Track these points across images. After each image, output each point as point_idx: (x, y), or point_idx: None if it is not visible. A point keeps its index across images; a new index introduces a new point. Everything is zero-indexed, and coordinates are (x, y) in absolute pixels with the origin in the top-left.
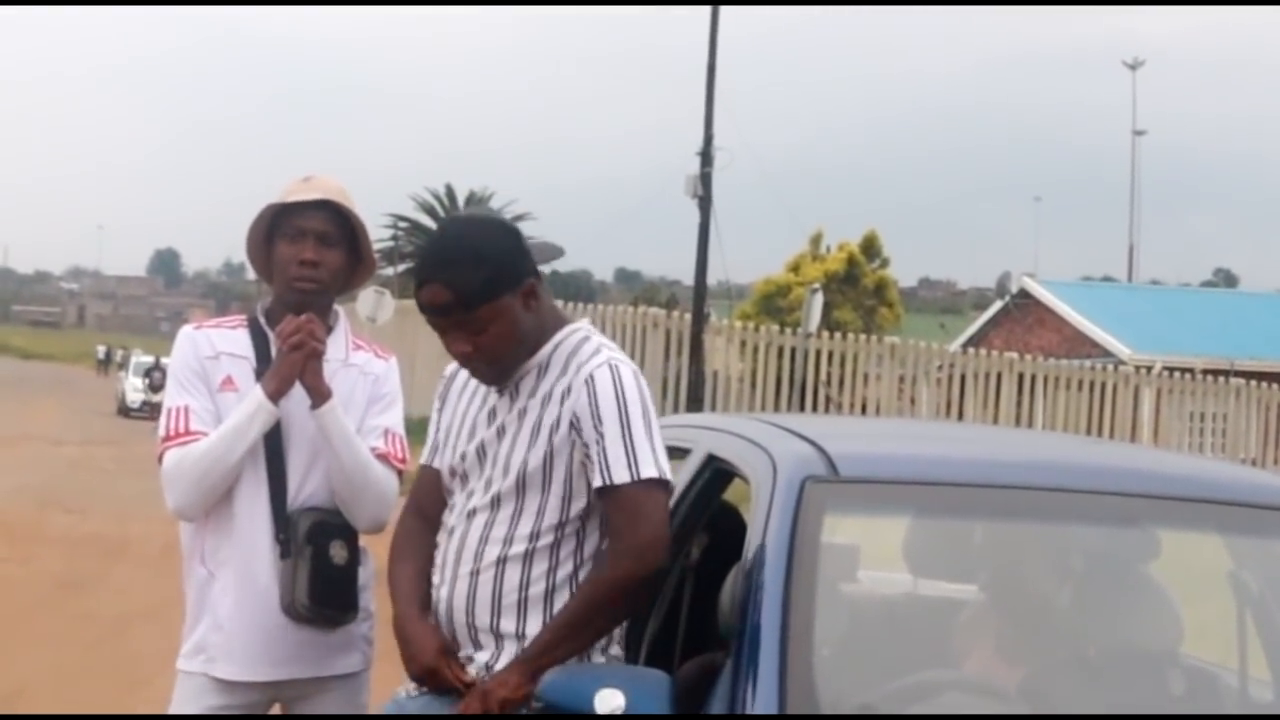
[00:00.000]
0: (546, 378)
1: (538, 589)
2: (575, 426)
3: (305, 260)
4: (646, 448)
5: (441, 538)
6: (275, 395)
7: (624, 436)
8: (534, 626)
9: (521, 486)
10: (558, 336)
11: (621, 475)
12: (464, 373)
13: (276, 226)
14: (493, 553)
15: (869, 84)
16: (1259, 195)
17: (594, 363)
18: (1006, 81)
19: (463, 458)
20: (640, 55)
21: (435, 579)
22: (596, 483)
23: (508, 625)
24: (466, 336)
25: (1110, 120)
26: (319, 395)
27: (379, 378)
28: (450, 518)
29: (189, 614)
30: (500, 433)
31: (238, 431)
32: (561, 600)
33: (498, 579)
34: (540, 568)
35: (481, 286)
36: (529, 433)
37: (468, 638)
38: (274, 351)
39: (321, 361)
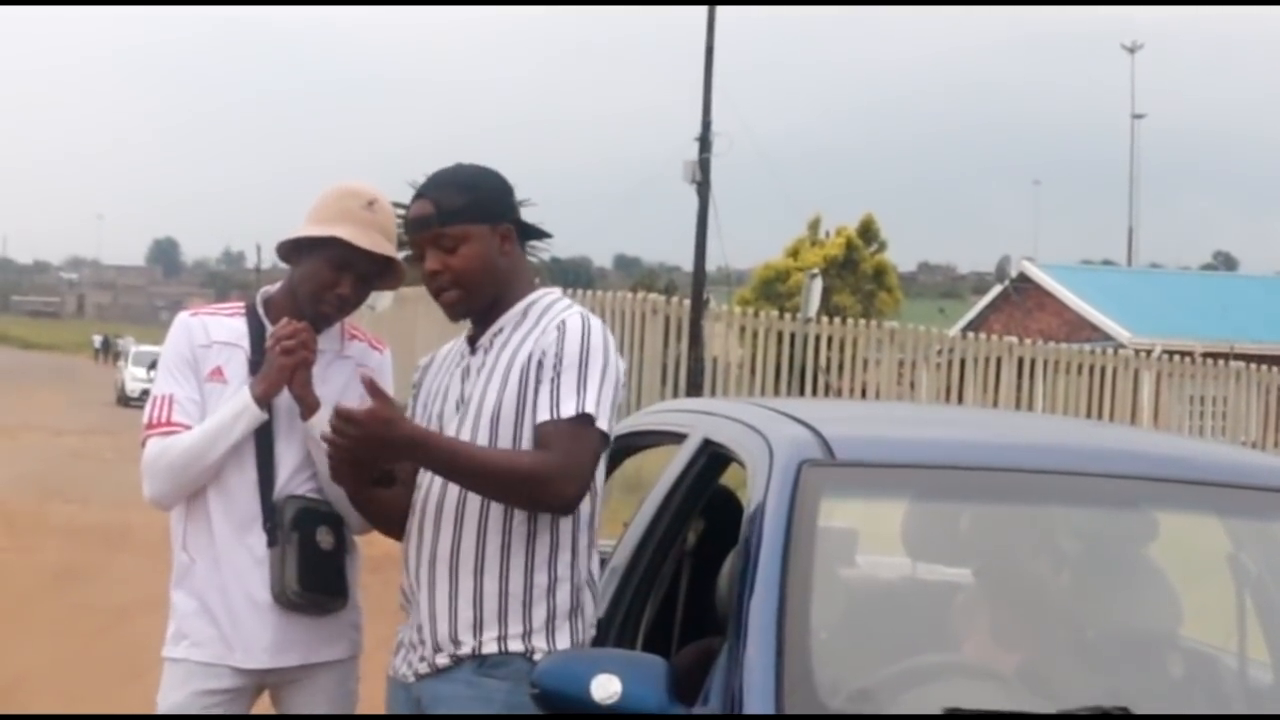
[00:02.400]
0: (520, 330)
1: (520, 531)
2: (540, 363)
3: (342, 295)
4: (595, 395)
5: (417, 496)
6: (263, 399)
7: (579, 379)
8: (516, 571)
9: (495, 425)
10: (533, 295)
11: (568, 412)
12: (438, 357)
13: (325, 241)
14: (474, 496)
15: (867, 66)
16: (1258, 178)
17: (569, 311)
18: (1005, 64)
19: (440, 416)
20: (638, 39)
21: (414, 531)
22: (544, 415)
23: (492, 571)
24: (440, 256)
25: (1109, 103)
26: (307, 406)
27: (374, 371)
28: (425, 473)
29: (173, 599)
30: (475, 382)
31: (221, 430)
32: (544, 544)
33: (482, 520)
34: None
35: (461, 207)
36: (501, 374)
37: (449, 594)
38: (268, 337)
39: (310, 372)
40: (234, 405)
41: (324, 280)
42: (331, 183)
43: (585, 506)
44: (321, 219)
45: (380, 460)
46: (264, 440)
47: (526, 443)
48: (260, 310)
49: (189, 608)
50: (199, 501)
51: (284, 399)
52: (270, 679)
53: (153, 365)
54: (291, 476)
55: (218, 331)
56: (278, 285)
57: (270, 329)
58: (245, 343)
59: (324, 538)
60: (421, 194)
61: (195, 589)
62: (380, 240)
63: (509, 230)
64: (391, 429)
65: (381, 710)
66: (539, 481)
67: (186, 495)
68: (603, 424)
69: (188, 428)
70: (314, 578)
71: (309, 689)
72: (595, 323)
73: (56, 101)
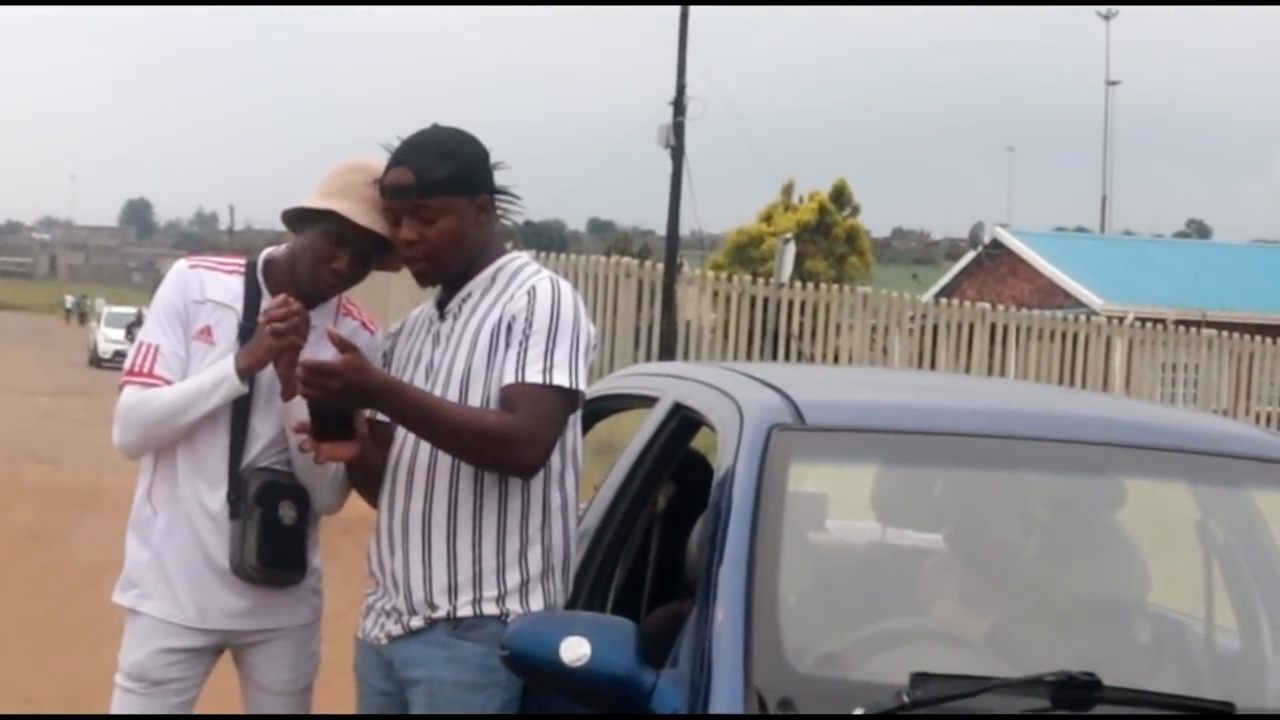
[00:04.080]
0: (488, 295)
1: (492, 494)
2: (510, 326)
3: (338, 270)
4: (565, 360)
5: (390, 460)
6: (245, 373)
7: (547, 343)
8: (489, 535)
9: (465, 387)
10: (502, 260)
11: (534, 377)
12: (408, 322)
13: (325, 213)
14: (445, 459)
15: (842, 29)
16: (1232, 146)
17: (538, 277)
18: (979, 29)
19: (411, 382)
20: (613, 2)
21: (386, 495)
22: (508, 379)
23: (464, 535)
24: (417, 225)
25: (1084, 70)
26: (288, 388)
27: (362, 352)
28: (399, 436)
29: (128, 545)
30: (445, 349)
31: (199, 395)
32: (516, 504)
33: (453, 483)
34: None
35: (442, 179)
36: (470, 339)
37: (422, 558)
38: (262, 311)
39: (298, 355)
40: (215, 373)
41: (321, 253)
42: (333, 155)
43: (556, 467)
44: (325, 191)
45: (352, 407)
46: (240, 410)
47: (495, 404)
48: (260, 273)
49: (143, 558)
50: (168, 457)
51: (267, 372)
52: (231, 639)
53: (131, 325)
54: (263, 450)
55: (214, 289)
56: (282, 248)
57: (266, 294)
58: (239, 305)
59: (286, 512)
60: (400, 160)
61: (152, 542)
62: (380, 219)
63: (486, 201)
64: (364, 377)
65: (349, 671)
66: (502, 442)
67: (153, 449)
68: (571, 388)
69: (168, 382)
70: (273, 553)
71: (270, 651)
72: (565, 287)
73: (28, 60)
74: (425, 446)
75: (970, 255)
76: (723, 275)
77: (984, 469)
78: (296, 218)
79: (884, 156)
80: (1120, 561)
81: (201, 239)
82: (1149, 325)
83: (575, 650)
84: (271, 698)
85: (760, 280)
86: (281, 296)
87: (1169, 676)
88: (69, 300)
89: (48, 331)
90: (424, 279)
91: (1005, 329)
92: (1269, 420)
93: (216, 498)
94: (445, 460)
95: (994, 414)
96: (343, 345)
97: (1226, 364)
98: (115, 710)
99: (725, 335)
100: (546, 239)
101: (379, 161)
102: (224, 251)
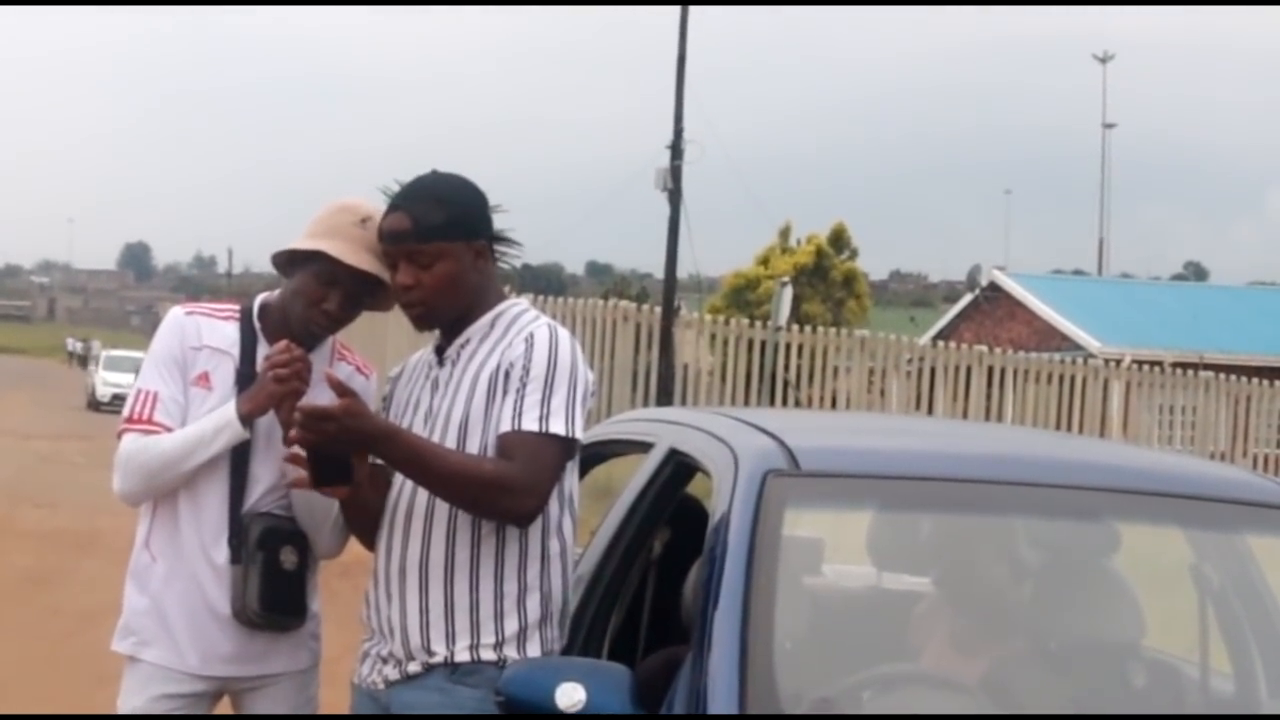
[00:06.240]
0: (487, 342)
1: (490, 540)
2: (507, 374)
3: (328, 311)
4: (562, 407)
5: (388, 505)
6: (247, 418)
7: (544, 391)
8: (487, 581)
9: (463, 434)
10: (501, 306)
11: (530, 425)
12: (407, 367)
13: (313, 255)
14: (443, 505)
15: (839, 71)
16: (1228, 188)
17: (536, 324)
18: (976, 72)
19: (410, 429)
20: (610, 45)
21: (384, 540)
22: (505, 427)
23: (462, 581)
24: (414, 270)
25: (1080, 113)
26: (291, 435)
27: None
28: (396, 480)
29: (126, 592)
30: (444, 395)
31: (201, 441)
32: (513, 551)
33: (451, 529)
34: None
35: (439, 224)
36: (469, 386)
37: (420, 604)
38: (259, 357)
39: (299, 400)
40: (217, 419)
41: (312, 295)
42: (331, 198)
43: (554, 514)
44: (313, 233)
45: (350, 452)
46: (239, 455)
47: (493, 451)
48: (255, 318)
49: (141, 605)
50: (168, 504)
51: (266, 418)
52: (231, 685)
53: (137, 371)
54: (263, 495)
55: (210, 335)
56: (276, 293)
57: (262, 340)
58: (235, 351)
59: (288, 557)
60: (398, 206)
61: (151, 589)
62: (368, 259)
63: (484, 247)
64: (362, 421)
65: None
66: (498, 490)
67: (155, 496)
68: (567, 436)
69: (168, 429)
70: (275, 598)
71: (270, 696)
72: (563, 335)
73: (26, 104)
74: (423, 492)
75: (968, 298)
76: (720, 318)
77: (978, 514)
78: (287, 261)
79: (881, 200)
80: (1115, 606)
81: (200, 282)
82: (1146, 368)
83: (571, 696)
84: None
85: (758, 323)
86: (284, 342)
87: None
88: (71, 343)
89: (46, 375)
90: (421, 324)
91: (1003, 372)
92: (1267, 463)
93: (219, 545)
94: (443, 506)
95: (987, 460)
96: (341, 389)
97: (1224, 406)
98: None
99: (723, 378)
100: (544, 282)
101: (366, 201)
102: (222, 295)
